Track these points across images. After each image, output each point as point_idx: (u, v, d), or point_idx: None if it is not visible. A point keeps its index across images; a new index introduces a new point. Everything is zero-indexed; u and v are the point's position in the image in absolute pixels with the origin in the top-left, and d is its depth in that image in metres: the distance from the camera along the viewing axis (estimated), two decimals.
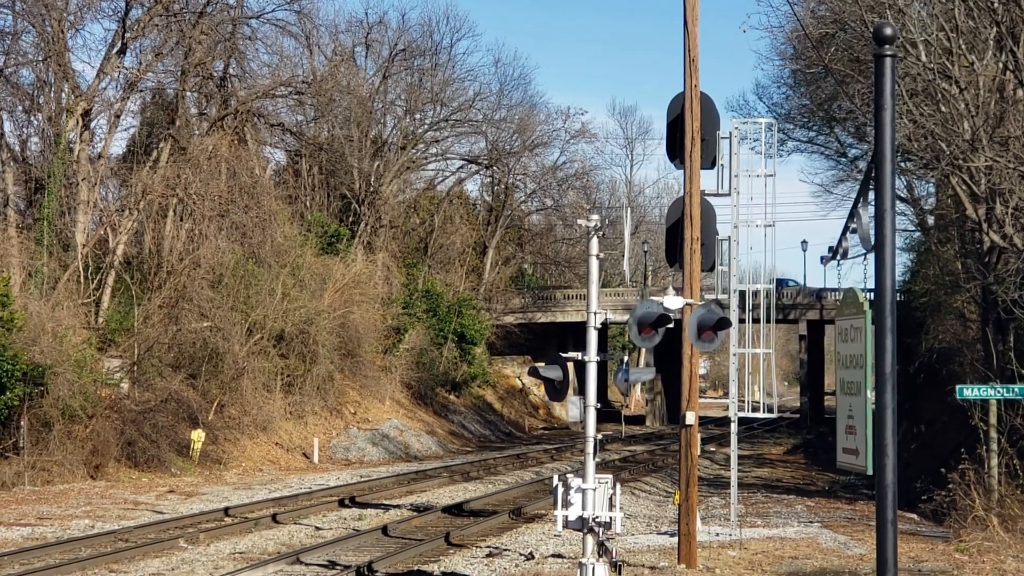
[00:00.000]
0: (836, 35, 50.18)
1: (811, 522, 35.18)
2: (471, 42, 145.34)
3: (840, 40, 49.59)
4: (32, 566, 26.63)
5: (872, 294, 13.34)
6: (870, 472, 13.38)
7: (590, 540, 21.69)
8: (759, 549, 28.81)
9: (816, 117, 71.83)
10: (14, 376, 43.71)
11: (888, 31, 12.62)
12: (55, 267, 54.20)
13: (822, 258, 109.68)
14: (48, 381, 45.58)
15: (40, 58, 57.23)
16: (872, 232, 13.51)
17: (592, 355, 21.89)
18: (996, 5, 37.10)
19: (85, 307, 54.78)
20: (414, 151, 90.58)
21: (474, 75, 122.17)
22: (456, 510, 38.99)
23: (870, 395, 14.03)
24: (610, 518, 21.65)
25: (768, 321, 32.39)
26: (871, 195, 13.70)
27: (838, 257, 17.06)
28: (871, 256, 13.82)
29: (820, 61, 50.80)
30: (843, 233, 16.70)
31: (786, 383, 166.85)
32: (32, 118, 58.33)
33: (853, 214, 15.93)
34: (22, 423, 45.17)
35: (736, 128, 31.13)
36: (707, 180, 27.97)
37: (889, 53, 12.49)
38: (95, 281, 56.47)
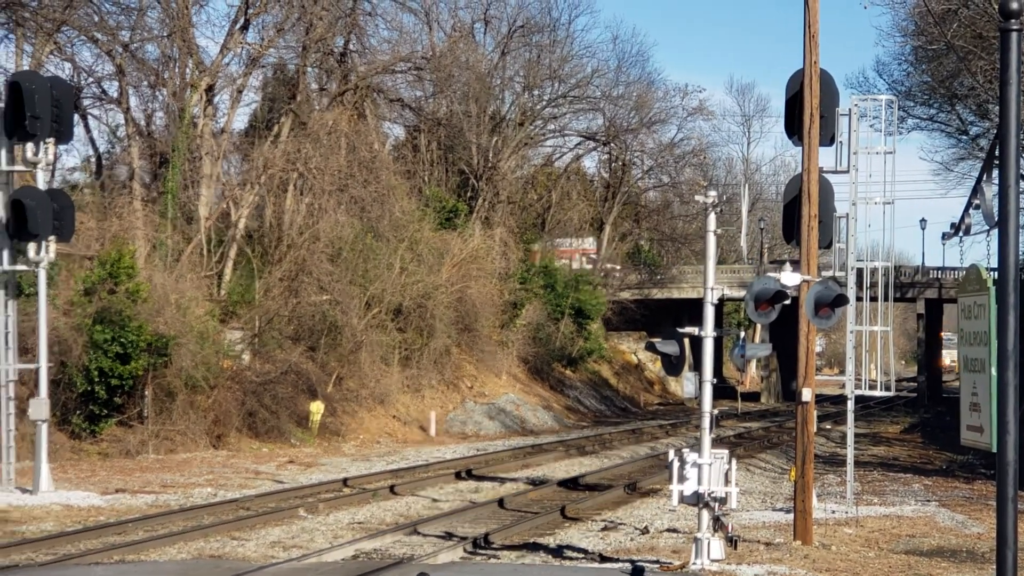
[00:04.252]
0: (959, 11, 49.57)
1: (928, 501, 34.93)
2: (589, 18, 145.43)
3: (963, 16, 49.01)
4: (156, 532, 27.17)
5: (995, 272, 13.28)
6: (995, 449, 13.35)
7: (705, 515, 21.79)
8: (875, 527, 28.70)
9: (937, 94, 70.93)
10: (139, 346, 44.44)
11: (1015, 5, 12.52)
12: (179, 240, 54.95)
13: (944, 235, 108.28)
14: (172, 352, 46.28)
15: (165, 34, 57.91)
16: (996, 208, 13.46)
17: (709, 330, 21.96)
18: None
19: (208, 279, 55.51)
20: (532, 127, 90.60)
21: (592, 51, 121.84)
22: (571, 484, 39.14)
23: (994, 372, 13.99)
24: (725, 493, 21.72)
25: (886, 299, 32.21)
26: (995, 172, 13.65)
27: (960, 234, 17.02)
28: (994, 233, 13.77)
29: (942, 37, 50.25)
30: (966, 209, 16.68)
31: (903, 362, 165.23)
32: (157, 93, 59.06)
33: (976, 190, 15.90)
34: (146, 392, 45.95)
35: (855, 105, 30.97)
36: (825, 157, 27.90)
37: (1015, 28, 12.41)
38: (217, 254, 57.16)
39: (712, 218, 22.13)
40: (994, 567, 13.15)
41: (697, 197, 22.93)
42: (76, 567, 22.37)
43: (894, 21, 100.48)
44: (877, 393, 33.02)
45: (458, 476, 41.17)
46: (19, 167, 33.95)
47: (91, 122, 59.17)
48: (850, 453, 32.70)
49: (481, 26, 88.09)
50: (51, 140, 33.29)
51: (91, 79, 58.03)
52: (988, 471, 42.40)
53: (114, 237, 49.18)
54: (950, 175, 76.64)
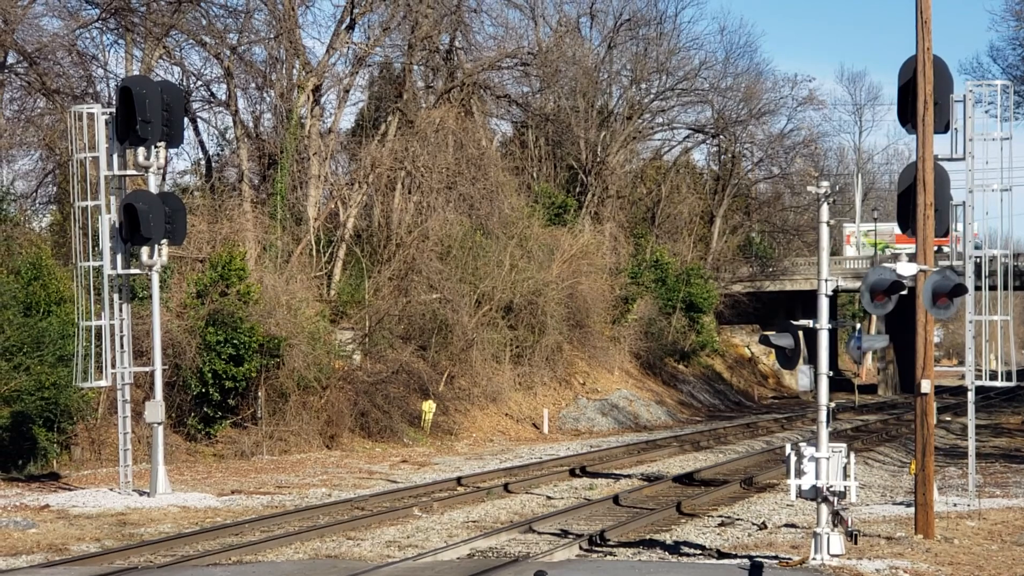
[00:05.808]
0: None
1: None
2: (696, 10, 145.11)
3: None
4: (272, 533, 27.25)
5: None
6: None
7: (824, 509, 21.46)
8: (998, 519, 28.18)
9: None
10: (251, 347, 44.66)
11: None
12: (288, 241, 55.26)
13: None
14: (284, 353, 46.51)
15: (272, 35, 58.26)
16: None
17: (823, 322, 21.64)
18: None
19: (317, 280, 55.78)
20: (640, 121, 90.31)
21: (699, 43, 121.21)
22: (686, 480, 38.82)
23: None
24: (844, 487, 21.39)
25: (1005, 288, 31.64)
26: None
27: None
28: None
29: None
30: None
31: (1023, 351, 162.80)
32: (265, 95, 59.43)
33: None
34: (259, 394, 46.22)
35: (970, 91, 30.48)
36: (940, 145, 27.43)
37: None
38: (326, 254, 57.44)
39: (825, 209, 21.80)
40: None
41: (809, 188, 22.62)
42: (194, 568, 22.45)
43: (1007, 5, 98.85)
44: (998, 383, 32.42)
45: (572, 473, 40.97)
46: (131, 171, 34.21)
47: (200, 125, 59.86)
48: (971, 445, 32.13)
49: (587, 20, 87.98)
50: (162, 144, 33.47)
51: (200, 82, 58.66)
52: None
53: (225, 239, 49.52)
54: None
